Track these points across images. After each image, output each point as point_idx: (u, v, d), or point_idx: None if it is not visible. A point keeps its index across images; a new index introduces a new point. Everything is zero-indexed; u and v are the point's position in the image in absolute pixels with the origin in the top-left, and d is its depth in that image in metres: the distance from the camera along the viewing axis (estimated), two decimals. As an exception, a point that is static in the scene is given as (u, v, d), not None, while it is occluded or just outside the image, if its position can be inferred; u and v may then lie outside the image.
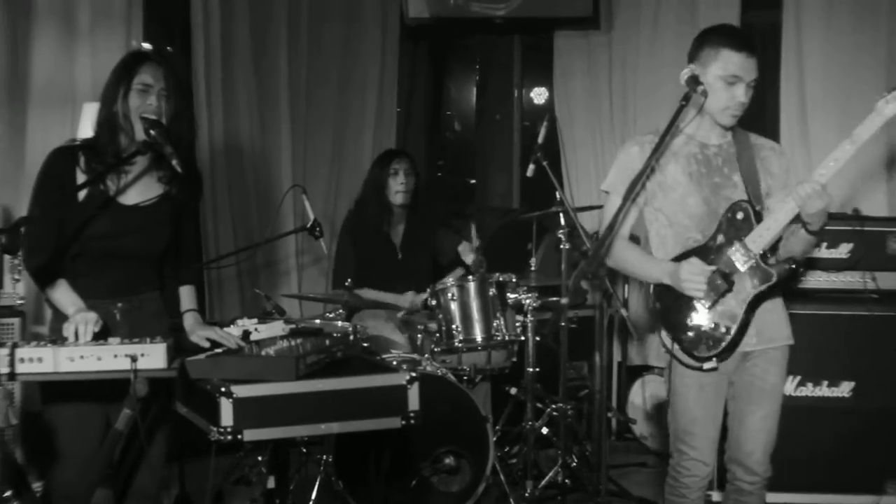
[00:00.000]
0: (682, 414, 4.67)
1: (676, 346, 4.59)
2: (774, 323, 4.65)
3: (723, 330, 4.51)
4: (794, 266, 4.55)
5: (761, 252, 4.46)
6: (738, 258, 4.48)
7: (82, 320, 3.90)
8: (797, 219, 4.42)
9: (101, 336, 3.90)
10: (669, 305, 4.61)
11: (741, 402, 4.69)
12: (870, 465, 6.08)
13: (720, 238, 4.54)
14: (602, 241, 4.26)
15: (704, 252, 4.54)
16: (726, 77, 4.45)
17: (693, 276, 4.44)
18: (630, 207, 4.62)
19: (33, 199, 4.14)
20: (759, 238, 4.45)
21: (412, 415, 4.07)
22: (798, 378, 6.05)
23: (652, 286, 4.64)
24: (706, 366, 4.54)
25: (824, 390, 6.09)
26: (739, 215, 4.51)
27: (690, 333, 4.56)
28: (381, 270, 7.00)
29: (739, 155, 4.63)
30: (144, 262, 4.29)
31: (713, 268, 4.48)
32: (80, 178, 4.12)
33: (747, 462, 4.67)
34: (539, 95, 9.79)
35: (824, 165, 4.33)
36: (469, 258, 6.95)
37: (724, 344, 4.51)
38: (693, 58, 4.56)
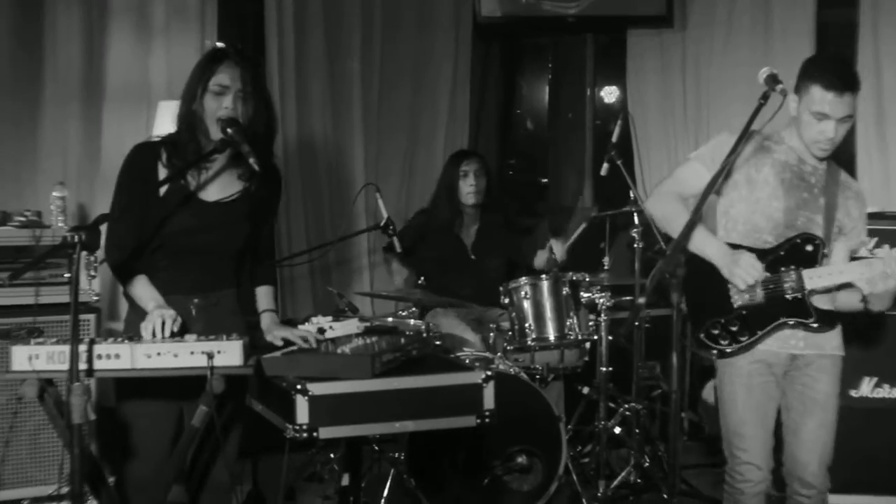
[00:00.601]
0: (731, 415, 4.72)
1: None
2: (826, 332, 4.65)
3: (737, 333, 4.62)
4: (827, 313, 4.58)
5: (810, 290, 4.52)
6: (789, 285, 4.55)
7: (160, 317, 3.92)
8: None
9: (178, 333, 3.92)
10: (700, 284, 4.65)
11: (795, 413, 4.70)
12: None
13: (781, 254, 4.59)
14: (679, 240, 4.24)
15: (761, 255, 4.58)
16: (814, 113, 4.47)
17: (750, 269, 4.50)
18: (700, 176, 4.65)
19: (116, 194, 4.17)
20: (818, 278, 4.51)
21: (487, 414, 4.04)
22: (875, 379, 5.98)
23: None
24: (709, 354, 4.69)
25: (902, 392, 6.01)
26: (808, 247, 4.57)
27: (708, 318, 4.67)
28: (452, 271, 7.01)
29: (827, 186, 4.65)
30: (223, 258, 4.29)
31: (767, 274, 4.55)
32: (162, 173, 4.15)
33: (803, 475, 4.65)
34: (611, 94, 9.73)
35: None
36: (540, 263, 6.95)
37: (733, 347, 4.62)
38: (795, 88, 4.58)
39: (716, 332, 4.65)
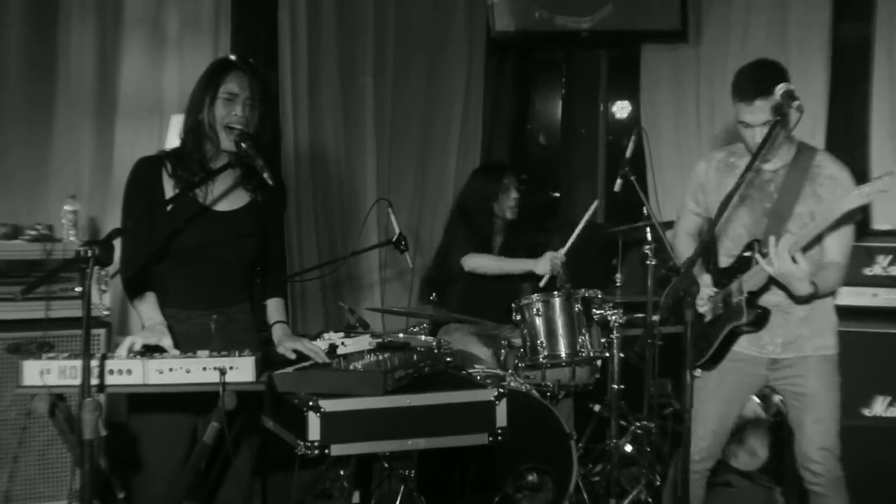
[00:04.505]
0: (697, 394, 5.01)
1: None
2: (805, 334, 4.85)
3: (704, 346, 4.98)
4: (761, 310, 4.76)
5: (747, 293, 4.72)
6: (735, 292, 4.80)
7: (132, 341, 3.89)
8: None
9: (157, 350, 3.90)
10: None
11: (794, 411, 4.95)
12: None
13: (735, 266, 4.88)
14: (694, 258, 4.30)
15: (728, 273, 4.92)
16: (740, 123, 4.74)
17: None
18: (690, 215, 5.20)
19: (124, 210, 4.17)
20: (750, 280, 4.72)
21: (500, 431, 4.03)
22: (889, 399, 5.94)
23: None
24: (695, 373, 4.84)
25: (917, 411, 5.98)
26: (747, 253, 4.81)
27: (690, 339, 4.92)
28: (482, 286, 6.96)
29: (786, 182, 4.80)
30: (234, 270, 4.29)
31: (713, 291, 4.96)
32: (168, 184, 4.16)
33: (807, 465, 4.86)
34: (623, 109, 9.71)
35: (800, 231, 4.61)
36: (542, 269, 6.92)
37: (702, 359, 4.99)
38: None
39: (695, 353, 4.84)
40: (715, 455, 5.11)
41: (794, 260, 4.46)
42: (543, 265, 6.72)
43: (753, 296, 4.74)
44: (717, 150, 5.11)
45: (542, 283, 6.72)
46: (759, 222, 4.83)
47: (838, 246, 4.74)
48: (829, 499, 4.89)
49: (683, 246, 5.29)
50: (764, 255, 4.57)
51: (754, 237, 4.78)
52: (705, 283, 4.98)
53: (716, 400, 5.03)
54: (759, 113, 4.61)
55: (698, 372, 5.01)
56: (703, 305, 4.99)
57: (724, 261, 4.99)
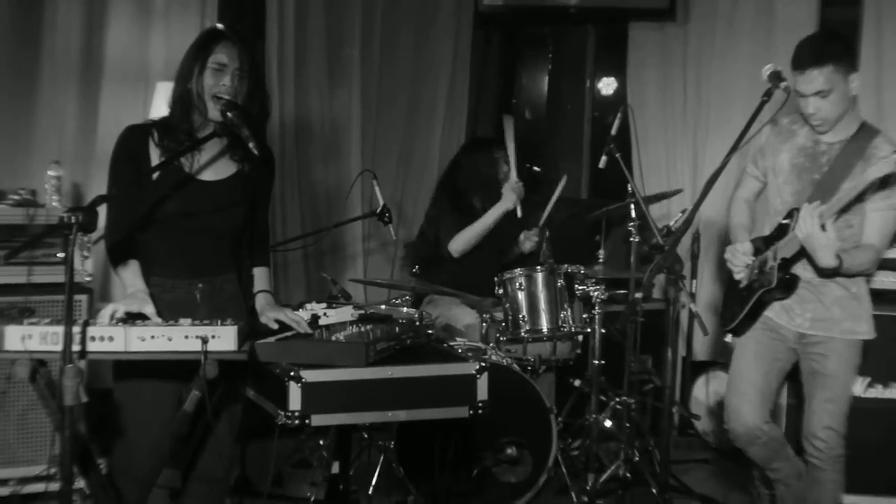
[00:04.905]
0: (736, 362, 5.26)
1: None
2: (836, 315, 4.93)
3: (735, 311, 5.14)
4: (790, 276, 4.85)
5: (781, 259, 4.80)
6: (769, 259, 4.88)
7: (114, 308, 3.88)
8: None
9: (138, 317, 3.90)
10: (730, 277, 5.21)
11: (808, 387, 5.09)
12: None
13: (774, 234, 4.95)
14: (678, 236, 4.35)
15: (768, 241, 4.97)
16: (797, 94, 4.74)
17: (730, 257, 5.10)
18: (750, 179, 5.27)
19: (111, 178, 4.15)
20: (784, 247, 4.79)
21: (480, 404, 4.05)
22: (868, 379, 5.96)
23: None
24: (726, 338, 5.31)
25: (895, 392, 5.99)
26: (786, 220, 4.86)
27: (725, 303, 5.31)
28: (465, 256, 7.00)
29: (840, 157, 4.82)
30: (220, 239, 4.26)
31: (750, 259, 5.02)
32: (154, 153, 4.12)
33: (811, 440, 5.03)
34: (609, 86, 9.67)
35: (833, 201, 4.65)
36: (527, 246, 6.98)
37: (732, 324, 5.18)
38: None
39: (726, 317, 5.21)
40: (764, 415, 5.14)
41: (823, 228, 4.52)
42: (509, 198, 6.89)
43: (787, 263, 4.81)
44: (783, 115, 5.09)
45: (518, 212, 6.93)
46: (805, 191, 4.87)
47: (877, 229, 4.79)
48: (825, 473, 5.04)
49: (737, 211, 5.32)
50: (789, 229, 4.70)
51: (798, 206, 4.79)
52: (745, 250, 5.05)
53: (757, 360, 5.13)
54: (811, 82, 4.66)
55: (729, 338, 5.26)
56: (740, 272, 5.08)
57: (770, 229, 5.08)
